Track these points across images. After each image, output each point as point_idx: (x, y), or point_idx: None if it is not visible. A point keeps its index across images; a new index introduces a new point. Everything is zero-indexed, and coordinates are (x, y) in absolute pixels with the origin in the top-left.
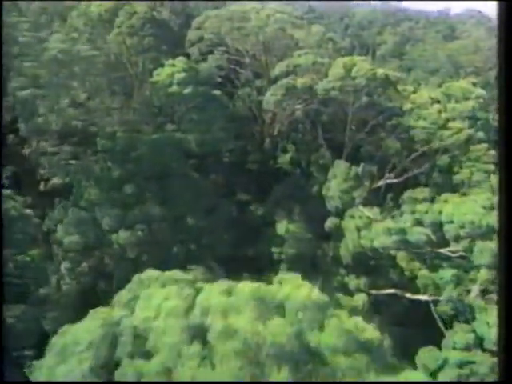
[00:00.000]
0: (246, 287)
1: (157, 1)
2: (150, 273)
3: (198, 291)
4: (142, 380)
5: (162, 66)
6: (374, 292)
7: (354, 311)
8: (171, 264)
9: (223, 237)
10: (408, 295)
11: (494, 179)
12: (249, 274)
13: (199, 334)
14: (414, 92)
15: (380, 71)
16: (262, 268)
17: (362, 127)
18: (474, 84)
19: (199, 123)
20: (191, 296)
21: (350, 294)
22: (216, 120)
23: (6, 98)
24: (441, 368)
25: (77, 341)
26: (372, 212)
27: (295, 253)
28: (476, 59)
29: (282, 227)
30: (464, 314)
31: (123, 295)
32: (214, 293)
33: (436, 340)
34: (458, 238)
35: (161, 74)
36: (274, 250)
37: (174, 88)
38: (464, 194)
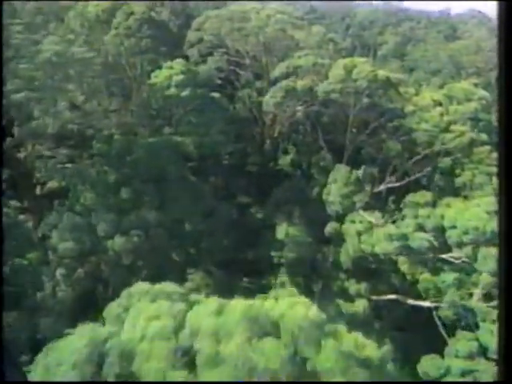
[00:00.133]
0: (238, 306)
1: (156, 1)
2: (141, 286)
3: (191, 304)
4: None
5: (160, 67)
6: (374, 297)
7: (354, 317)
8: (169, 269)
9: (222, 240)
10: (410, 301)
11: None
12: (248, 278)
13: (187, 358)
14: (416, 94)
15: (381, 73)
16: (261, 272)
17: (363, 129)
18: (476, 85)
19: (197, 126)
20: (182, 312)
21: (351, 299)
22: (214, 123)
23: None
24: (443, 376)
25: (60, 361)
26: (373, 216)
27: (295, 257)
28: (477, 59)
29: (282, 230)
30: (466, 318)
31: (113, 309)
32: (204, 313)
33: (438, 345)
34: (460, 245)
35: (158, 76)
36: (273, 253)
37: (172, 90)
38: (466, 197)
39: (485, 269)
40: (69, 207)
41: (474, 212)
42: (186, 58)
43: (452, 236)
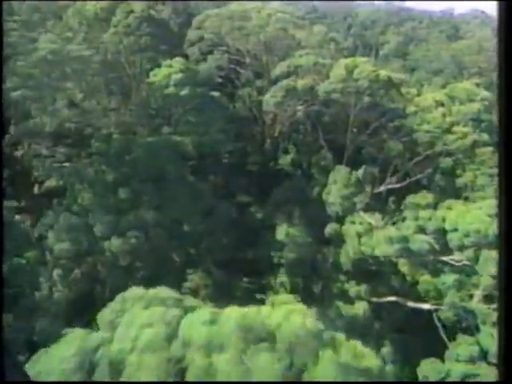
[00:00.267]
0: (233, 314)
1: (156, 0)
2: (134, 291)
3: (186, 311)
4: None
5: (160, 66)
6: (374, 299)
7: (354, 319)
8: (168, 270)
9: (222, 240)
10: (410, 304)
11: None
12: (248, 278)
13: (177, 371)
14: (418, 95)
15: (383, 73)
16: (261, 272)
17: (364, 129)
18: (478, 85)
19: (196, 125)
20: (176, 320)
21: (351, 301)
22: (214, 122)
23: None
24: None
25: (49, 370)
26: (373, 218)
27: (295, 257)
28: (480, 60)
29: (281, 231)
30: (467, 320)
31: (105, 315)
32: (197, 321)
33: (438, 347)
34: (462, 248)
35: (157, 75)
36: (273, 254)
37: (171, 89)
38: (467, 199)
39: (486, 272)
40: (66, 207)
41: (476, 214)
42: (186, 56)
43: (453, 239)
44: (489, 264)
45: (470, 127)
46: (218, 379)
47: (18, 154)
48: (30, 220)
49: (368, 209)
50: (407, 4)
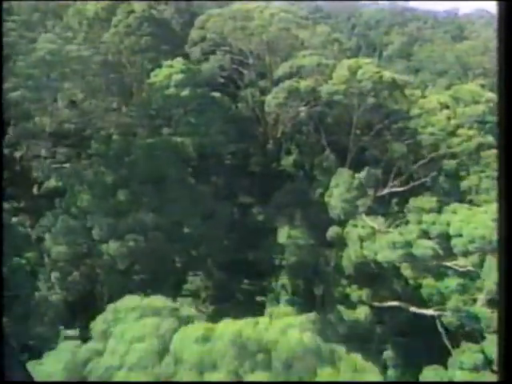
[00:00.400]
0: (228, 330)
1: (156, 0)
2: (128, 301)
3: (180, 322)
4: None
5: (161, 66)
6: (376, 304)
7: (355, 323)
8: (169, 272)
9: (223, 242)
10: (412, 309)
11: None
12: (249, 279)
13: None
14: (423, 97)
15: (387, 75)
16: (262, 273)
17: (368, 130)
18: (483, 86)
19: (197, 126)
20: (169, 333)
21: (352, 305)
22: (214, 123)
23: None
24: None
25: None
26: (376, 222)
27: (297, 260)
28: (485, 60)
29: (283, 233)
30: (470, 324)
31: (98, 324)
32: (190, 338)
33: (441, 351)
34: (466, 253)
35: (158, 76)
36: (275, 255)
37: (171, 90)
38: (472, 202)
39: (491, 278)
40: (64, 209)
41: (481, 219)
42: (188, 56)
43: (457, 244)
44: (494, 270)
45: (474, 130)
46: None
47: (17, 154)
48: (29, 221)
49: (371, 212)
50: (412, 4)
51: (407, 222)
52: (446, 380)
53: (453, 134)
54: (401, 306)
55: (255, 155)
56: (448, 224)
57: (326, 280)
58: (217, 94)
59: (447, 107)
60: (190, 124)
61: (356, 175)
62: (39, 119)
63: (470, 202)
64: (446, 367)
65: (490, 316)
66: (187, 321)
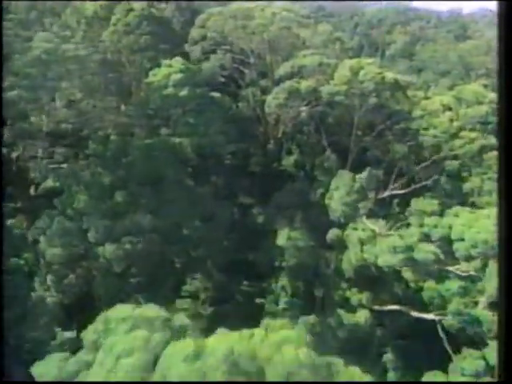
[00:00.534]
0: (219, 345)
1: (158, 0)
2: (119, 311)
3: (173, 333)
4: None
5: (160, 66)
6: (377, 308)
7: (355, 327)
8: (168, 274)
9: (223, 243)
10: (413, 313)
11: None
12: (249, 281)
13: None
14: (426, 98)
15: (389, 75)
16: (262, 275)
17: (369, 131)
18: (486, 86)
19: (195, 127)
20: (159, 347)
21: (352, 309)
22: (213, 123)
23: None
24: None
25: None
26: (377, 225)
27: (297, 262)
28: (488, 60)
29: (283, 234)
30: (472, 327)
31: (88, 334)
32: (179, 356)
33: (442, 355)
34: (468, 258)
35: (157, 75)
36: (275, 256)
37: (170, 90)
38: (474, 204)
39: (493, 284)
40: (61, 211)
41: (484, 224)
42: (188, 55)
43: (460, 249)
44: (496, 276)
45: (477, 131)
46: None
47: (14, 155)
48: (26, 222)
49: (372, 214)
50: (414, 3)
51: (408, 225)
52: None
53: (455, 136)
54: (401, 309)
55: (256, 155)
56: (450, 227)
57: (326, 283)
58: (216, 94)
59: (450, 109)
60: (189, 124)
61: (357, 176)
62: (36, 119)
63: (472, 204)
64: (446, 371)
65: (491, 319)
66: (180, 331)
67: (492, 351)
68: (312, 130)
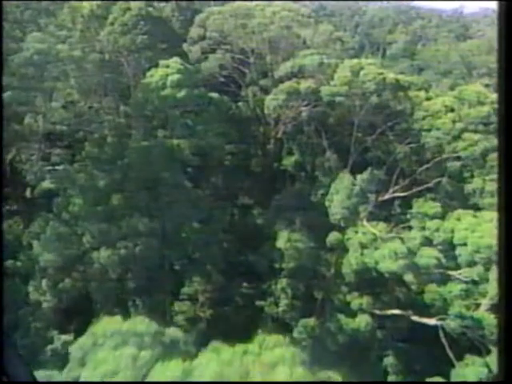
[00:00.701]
0: (209, 366)
1: (158, 0)
2: (107, 324)
3: (163, 349)
4: None
5: (158, 66)
6: (377, 312)
7: (355, 332)
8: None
9: (222, 245)
10: (414, 318)
11: None
12: (249, 283)
13: None
14: (427, 99)
15: (390, 76)
16: (262, 277)
17: (370, 131)
18: (487, 86)
19: (194, 128)
20: (147, 365)
21: (353, 313)
22: (212, 125)
23: None
24: None
25: None
26: (377, 228)
27: (296, 264)
28: (490, 60)
29: (283, 236)
30: (474, 330)
31: (75, 351)
32: (165, 379)
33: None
34: (471, 263)
35: (154, 76)
36: (274, 257)
37: (167, 91)
38: (476, 206)
39: (496, 289)
40: (55, 214)
41: (487, 228)
42: (187, 55)
43: (462, 254)
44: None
45: (479, 132)
46: None
47: (8, 157)
48: (21, 224)
49: (373, 217)
50: (416, 2)
51: (410, 228)
52: None
53: (458, 137)
54: (403, 314)
55: (255, 156)
56: (452, 231)
57: (326, 286)
58: (215, 95)
59: (452, 110)
60: (187, 126)
61: (358, 176)
62: (30, 121)
63: (475, 206)
64: (447, 374)
65: (493, 322)
66: (171, 346)
67: (495, 358)
68: (312, 131)
